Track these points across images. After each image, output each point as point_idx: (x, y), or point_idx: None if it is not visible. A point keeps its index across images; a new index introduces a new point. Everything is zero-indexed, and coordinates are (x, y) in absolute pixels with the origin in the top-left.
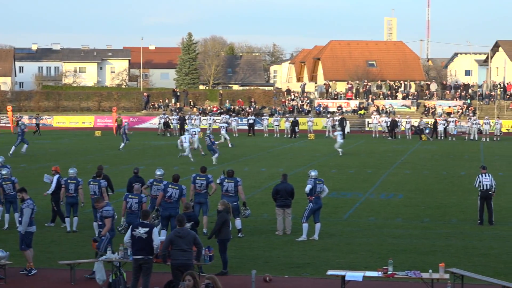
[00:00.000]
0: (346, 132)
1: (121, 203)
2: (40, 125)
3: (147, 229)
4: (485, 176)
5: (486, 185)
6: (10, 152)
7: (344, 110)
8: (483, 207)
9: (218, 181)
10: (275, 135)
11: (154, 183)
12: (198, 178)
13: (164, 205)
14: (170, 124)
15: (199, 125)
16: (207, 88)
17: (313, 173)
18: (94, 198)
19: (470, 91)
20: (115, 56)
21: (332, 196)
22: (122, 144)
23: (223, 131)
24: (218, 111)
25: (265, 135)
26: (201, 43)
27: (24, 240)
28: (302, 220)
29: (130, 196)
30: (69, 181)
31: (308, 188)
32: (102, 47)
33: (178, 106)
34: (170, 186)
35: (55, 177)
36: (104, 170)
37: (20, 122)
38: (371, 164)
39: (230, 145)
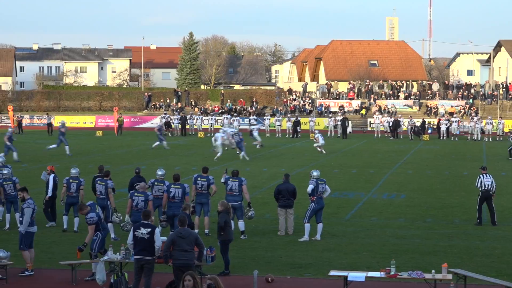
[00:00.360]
0: (348, 132)
1: (123, 203)
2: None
3: (149, 230)
4: (486, 176)
5: (487, 185)
6: (68, 152)
7: (346, 110)
8: (481, 208)
9: (222, 180)
10: (277, 135)
11: (156, 183)
12: (199, 179)
13: (168, 204)
14: (172, 124)
15: (201, 124)
16: (209, 88)
17: (315, 173)
18: (78, 205)
19: (472, 91)
20: (116, 56)
21: (334, 196)
22: (165, 143)
23: (255, 133)
24: (220, 111)
25: (266, 135)
26: (202, 43)
27: (23, 240)
28: (304, 220)
29: (136, 194)
30: (71, 180)
31: (310, 188)
32: (103, 46)
33: (180, 106)
34: (172, 186)
35: (51, 177)
36: (105, 170)
37: (60, 122)
38: (374, 164)
39: (258, 146)
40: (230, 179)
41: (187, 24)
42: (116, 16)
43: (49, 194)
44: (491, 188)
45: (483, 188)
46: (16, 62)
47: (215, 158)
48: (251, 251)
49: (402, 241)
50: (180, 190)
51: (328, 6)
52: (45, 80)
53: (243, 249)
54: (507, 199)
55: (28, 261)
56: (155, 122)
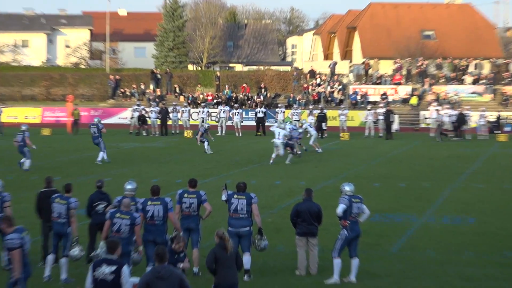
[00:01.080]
0: (393, 130)
1: (80, 230)
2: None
3: (114, 268)
4: None
5: None
6: (99, 159)
7: (390, 100)
8: None
9: (223, 197)
10: None
11: None
12: (186, 195)
13: (146, 227)
14: (147, 118)
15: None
16: (199, 69)
17: (347, 187)
18: (1, 218)
19: None
20: (71, 25)
21: (374, 220)
22: (207, 145)
23: (313, 137)
24: (214, 101)
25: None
26: (191, 7)
27: None
28: (333, 254)
29: (118, 214)
30: None
31: (341, 209)
32: (53, 12)
33: (159, 93)
34: (149, 202)
35: None
36: (54, 183)
37: (96, 120)
38: (429, 176)
39: (317, 150)
40: (235, 196)
41: None
42: None
43: None
44: None
45: None
46: None
47: (271, 161)
48: None
49: (470, 284)
50: (161, 207)
51: None
52: None
53: None
54: None
55: None
56: (124, 116)
